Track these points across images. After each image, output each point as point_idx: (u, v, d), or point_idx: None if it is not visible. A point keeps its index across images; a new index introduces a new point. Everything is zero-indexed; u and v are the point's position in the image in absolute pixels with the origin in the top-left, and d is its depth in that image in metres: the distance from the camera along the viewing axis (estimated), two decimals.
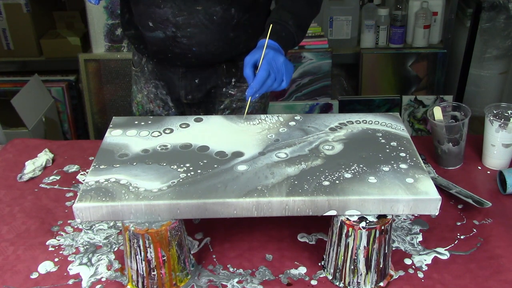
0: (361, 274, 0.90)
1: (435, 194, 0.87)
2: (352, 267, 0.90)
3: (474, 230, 1.04)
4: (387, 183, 0.89)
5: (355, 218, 0.88)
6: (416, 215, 1.08)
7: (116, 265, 0.97)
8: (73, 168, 1.26)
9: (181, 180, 0.91)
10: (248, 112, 1.28)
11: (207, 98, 1.36)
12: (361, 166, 0.94)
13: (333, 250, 0.92)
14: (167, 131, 1.06)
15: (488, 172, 1.23)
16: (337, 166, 0.94)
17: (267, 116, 1.11)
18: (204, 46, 1.21)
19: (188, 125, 1.08)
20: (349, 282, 0.91)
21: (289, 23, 1.14)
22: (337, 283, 0.93)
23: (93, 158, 1.23)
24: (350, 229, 0.87)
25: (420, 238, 1.03)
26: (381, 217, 0.88)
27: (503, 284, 0.92)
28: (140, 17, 1.22)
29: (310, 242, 1.02)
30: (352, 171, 0.93)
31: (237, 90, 1.35)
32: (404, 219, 1.08)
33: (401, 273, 0.95)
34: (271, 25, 1.10)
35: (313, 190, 0.88)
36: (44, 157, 1.27)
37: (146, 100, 1.39)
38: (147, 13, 1.20)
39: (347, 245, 0.89)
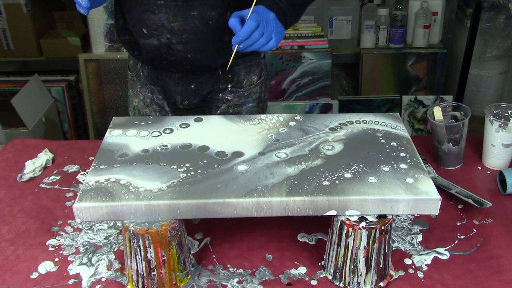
0: (361, 274, 0.90)
1: (435, 194, 0.87)
2: (352, 267, 0.90)
3: (474, 230, 1.05)
4: (387, 183, 0.89)
5: (355, 218, 0.88)
6: (416, 215, 1.08)
7: (116, 265, 0.97)
8: (73, 168, 1.26)
9: (181, 180, 0.91)
10: (244, 112, 1.28)
11: (203, 104, 1.34)
12: (361, 166, 0.94)
13: (333, 250, 0.92)
14: (167, 131, 1.06)
15: (488, 172, 1.23)
16: (337, 166, 0.94)
17: (267, 116, 1.11)
18: (199, 52, 1.20)
19: (188, 125, 1.08)
20: (349, 282, 0.91)
21: (282, 0, 1.10)
22: (337, 283, 0.93)
23: (93, 158, 1.23)
24: (350, 229, 0.87)
25: (420, 238, 1.03)
26: (381, 217, 0.88)
27: (503, 284, 0.92)
28: (135, 24, 1.21)
29: (310, 242, 1.02)
30: (352, 171, 0.93)
31: (234, 96, 1.33)
32: (404, 219, 1.08)
33: (401, 273, 0.95)
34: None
35: (313, 190, 0.88)
36: (44, 157, 1.27)
37: (142, 104, 1.38)
38: (141, 20, 1.18)
39: (347, 245, 0.89)
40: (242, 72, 1.32)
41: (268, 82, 1.44)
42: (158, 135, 1.04)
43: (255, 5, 1.03)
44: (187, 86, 1.30)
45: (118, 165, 0.95)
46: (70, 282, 0.94)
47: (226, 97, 1.33)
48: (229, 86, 1.32)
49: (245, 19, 1.02)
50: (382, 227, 0.87)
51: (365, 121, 1.09)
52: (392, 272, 0.94)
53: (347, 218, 0.88)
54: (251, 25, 1.00)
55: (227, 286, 0.92)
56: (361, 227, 0.86)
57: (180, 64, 1.23)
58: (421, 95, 2.43)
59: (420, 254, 0.99)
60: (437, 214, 0.89)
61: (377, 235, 0.87)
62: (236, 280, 0.94)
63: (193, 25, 1.16)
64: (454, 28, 2.41)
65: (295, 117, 1.11)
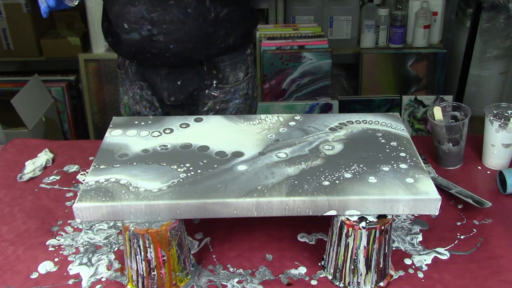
0: (361, 274, 0.90)
1: (435, 194, 0.87)
2: (352, 267, 0.90)
3: (474, 230, 1.05)
4: (387, 183, 0.89)
5: (355, 218, 0.88)
6: (416, 215, 1.08)
7: (116, 265, 0.97)
8: (73, 168, 1.26)
9: (181, 180, 0.91)
10: (231, 108, 1.29)
11: (190, 100, 1.36)
12: (361, 166, 0.94)
13: (333, 250, 0.92)
14: (167, 131, 1.06)
15: (488, 172, 1.23)
16: (337, 166, 0.94)
17: (267, 116, 1.11)
18: (181, 43, 1.21)
19: (188, 125, 1.08)
20: (349, 282, 0.91)
21: None
22: (337, 283, 0.93)
23: (93, 158, 1.23)
24: (350, 229, 0.87)
25: (420, 238, 1.03)
26: (381, 217, 0.88)
27: (503, 284, 0.92)
28: (117, 19, 1.23)
29: (310, 242, 1.02)
30: (352, 171, 0.93)
31: (220, 92, 1.34)
32: (404, 219, 1.08)
33: (401, 273, 0.95)
34: None
35: (313, 190, 0.88)
36: (44, 157, 1.27)
37: (132, 101, 1.39)
38: (122, 14, 1.20)
39: (347, 245, 0.89)
40: (227, 69, 1.33)
41: (256, 80, 1.45)
42: (158, 135, 1.04)
43: None
44: (173, 83, 1.31)
45: (118, 165, 0.95)
46: (70, 282, 0.94)
47: (212, 93, 1.34)
48: (214, 82, 1.33)
49: None
50: (382, 227, 0.87)
51: (365, 121, 1.09)
52: (392, 272, 0.94)
53: (347, 218, 0.88)
54: None
55: (227, 286, 0.92)
56: (361, 227, 0.86)
57: (163, 56, 1.24)
58: (421, 95, 2.43)
59: (420, 254, 0.99)
60: (437, 214, 0.89)
61: (377, 235, 0.87)
62: (236, 280, 0.94)
63: (172, 14, 1.17)
64: (454, 28, 2.41)
65: (295, 117, 1.11)
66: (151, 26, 1.19)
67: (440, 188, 1.14)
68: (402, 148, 1.00)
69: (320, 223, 1.05)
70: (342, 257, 0.90)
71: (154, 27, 1.19)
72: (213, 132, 1.06)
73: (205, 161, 0.96)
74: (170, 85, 1.32)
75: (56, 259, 0.99)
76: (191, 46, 1.22)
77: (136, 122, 1.09)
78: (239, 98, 1.37)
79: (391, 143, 1.01)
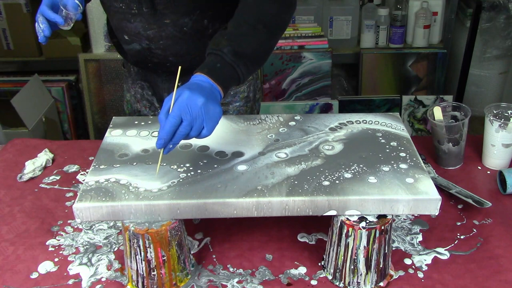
0: (361, 274, 0.90)
1: (435, 194, 0.87)
2: (352, 267, 0.90)
3: (474, 230, 1.05)
4: (387, 183, 0.89)
5: (355, 218, 0.88)
6: (416, 215, 1.08)
7: (116, 265, 0.97)
8: (73, 168, 1.26)
9: (181, 180, 0.91)
10: (231, 111, 1.26)
11: None
12: (361, 166, 0.94)
13: (333, 250, 0.92)
14: None
15: (488, 172, 1.23)
16: (337, 166, 0.94)
17: (267, 116, 1.11)
18: (180, 56, 1.21)
19: None
20: (349, 282, 0.91)
21: (224, 51, 0.97)
22: (337, 283, 0.93)
23: (93, 158, 1.23)
24: (350, 229, 0.87)
25: (420, 238, 1.03)
26: (381, 217, 0.88)
27: (503, 284, 0.92)
28: (116, 31, 1.23)
29: (310, 242, 1.02)
30: (352, 171, 0.93)
31: None
32: (404, 219, 1.08)
33: (401, 273, 0.95)
34: (180, 68, 0.94)
35: (313, 190, 0.88)
36: (44, 157, 1.27)
37: (133, 99, 1.40)
38: (121, 27, 1.20)
39: (347, 245, 0.89)
40: None
41: (259, 82, 1.44)
42: None
43: (179, 75, 0.92)
44: (174, 84, 1.31)
45: (118, 165, 0.95)
46: (70, 282, 0.94)
47: None
48: None
49: None
50: (382, 227, 0.87)
51: (365, 121, 1.09)
52: (392, 272, 0.94)
53: (347, 218, 0.88)
54: (171, 124, 0.87)
55: (227, 286, 0.92)
56: (361, 227, 0.86)
57: (164, 65, 1.24)
58: (421, 95, 2.43)
59: (420, 254, 0.99)
60: (437, 214, 0.89)
61: (377, 235, 0.87)
62: (236, 280, 0.94)
63: (168, 32, 1.16)
64: (454, 28, 2.41)
65: (295, 117, 1.11)
66: (148, 41, 1.19)
67: (440, 188, 1.14)
68: (402, 148, 1.00)
69: (320, 223, 1.05)
70: (342, 257, 0.90)
71: (151, 43, 1.19)
72: (213, 132, 1.05)
73: (205, 161, 0.96)
74: (171, 86, 1.32)
75: (56, 259, 0.99)
76: (190, 59, 1.22)
77: (136, 122, 1.09)
78: (239, 101, 1.36)
79: (391, 143, 1.01)
